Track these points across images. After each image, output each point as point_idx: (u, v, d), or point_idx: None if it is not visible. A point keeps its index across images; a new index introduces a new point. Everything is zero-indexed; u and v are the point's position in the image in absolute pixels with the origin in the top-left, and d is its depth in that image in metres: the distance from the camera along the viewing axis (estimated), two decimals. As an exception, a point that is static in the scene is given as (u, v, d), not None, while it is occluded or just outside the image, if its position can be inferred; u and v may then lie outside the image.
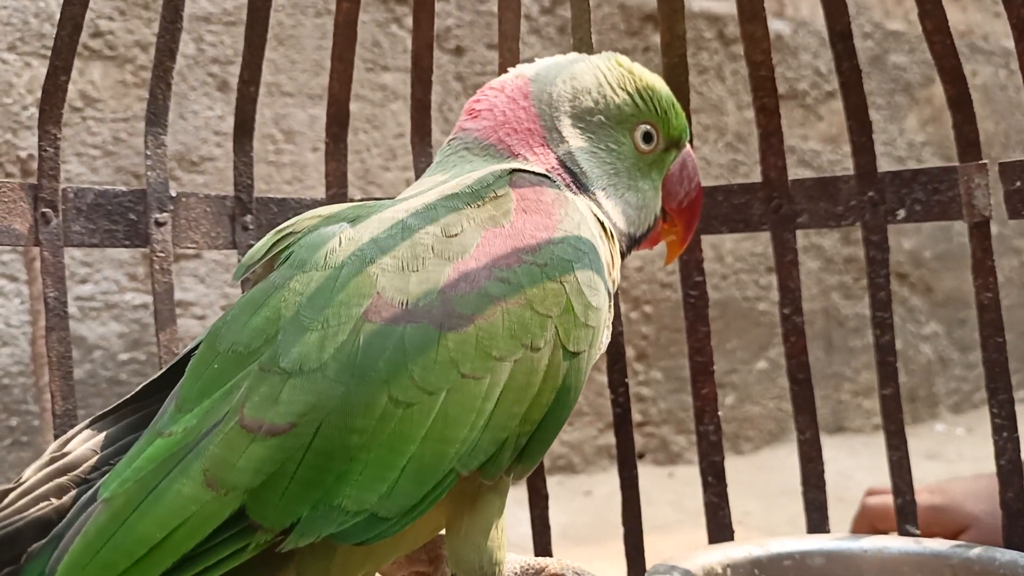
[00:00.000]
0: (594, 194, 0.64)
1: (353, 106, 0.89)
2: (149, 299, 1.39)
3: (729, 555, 0.70)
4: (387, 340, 0.50)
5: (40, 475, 0.52)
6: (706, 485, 0.84)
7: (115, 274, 1.40)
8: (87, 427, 0.55)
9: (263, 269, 0.59)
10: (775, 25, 1.96)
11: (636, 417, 1.74)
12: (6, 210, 0.75)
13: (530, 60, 0.69)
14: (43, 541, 0.50)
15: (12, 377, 1.32)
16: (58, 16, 0.76)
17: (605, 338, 0.60)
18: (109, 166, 1.40)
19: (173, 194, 0.81)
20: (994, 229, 0.79)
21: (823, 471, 0.83)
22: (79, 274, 1.38)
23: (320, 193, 0.90)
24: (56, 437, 0.74)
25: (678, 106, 0.68)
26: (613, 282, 0.63)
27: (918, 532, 0.81)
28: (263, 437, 0.49)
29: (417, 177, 0.87)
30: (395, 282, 0.52)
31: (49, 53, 0.77)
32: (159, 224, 0.80)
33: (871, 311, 0.82)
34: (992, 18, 2.30)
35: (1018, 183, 0.76)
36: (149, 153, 0.81)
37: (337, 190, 0.88)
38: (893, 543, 0.71)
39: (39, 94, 1.29)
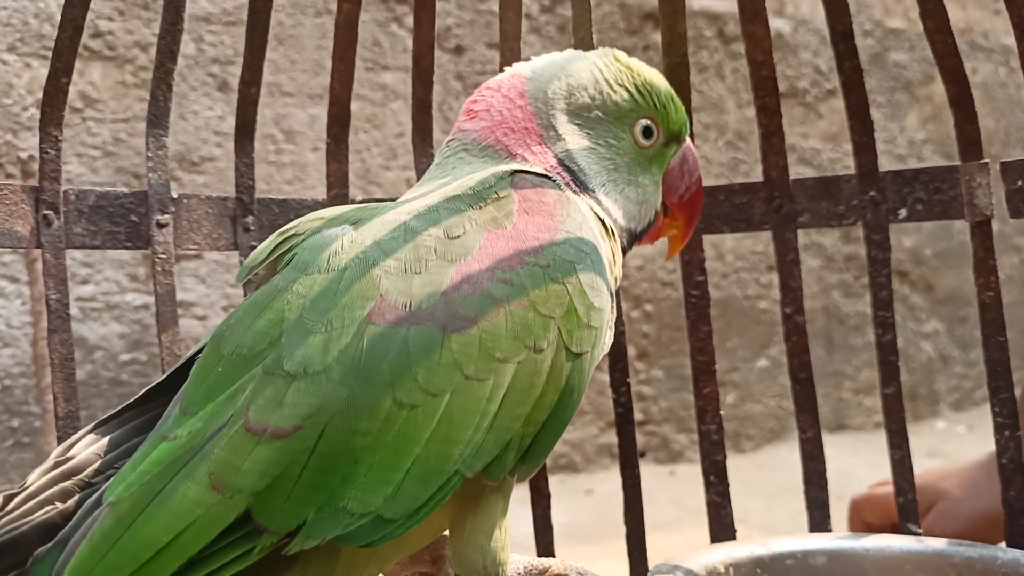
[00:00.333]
0: (594, 191, 0.64)
1: (353, 106, 0.89)
2: (150, 299, 1.39)
3: (732, 554, 0.70)
4: (391, 342, 0.50)
5: (45, 479, 0.52)
6: (708, 484, 0.84)
7: (116, 275, 1.40)
8: (91, 431, 0.55)
9: (266, 271, 0.59)
10: (775, 23, 1.96)
11: (637, 416, 1.74)
12: (8, 212, 0.75)
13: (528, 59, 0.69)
14: (48, 545, 0.50)
15: (13, 378, 1.33)
16: (58, 17, 0.76)
17: (608, 339, 0.60)
18: (109, 166, 1.40)
19: (175, 195, 0.81)
20: (995, 227, 0.79)
21: (825, 469, 0.83)
22: (80, 275, 1.38)
23: (321, 193, 0.90)
24: (59, 438, 0.74)
25: (677, 100, 0.67)
26: (615, 279, 0.63)
27: (920, 531, 0.81)
28: (268, 440, 0.49)
29: (418, 177, 0.87)
30: (398, 284, 0.52)
31: (48, 54, 0.77)
32: (161, 226, 0.80)
33: (872, 310, 0.82)
34: (992, 15, 2.30)
35: (1019, 182, 0.76)
36: (150, 155, 0.81)
37: (339, 190, 0.88)
38: (895, 542, 0.71)
39: (39, 95, 1.29)
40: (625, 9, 1.78)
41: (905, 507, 0.81)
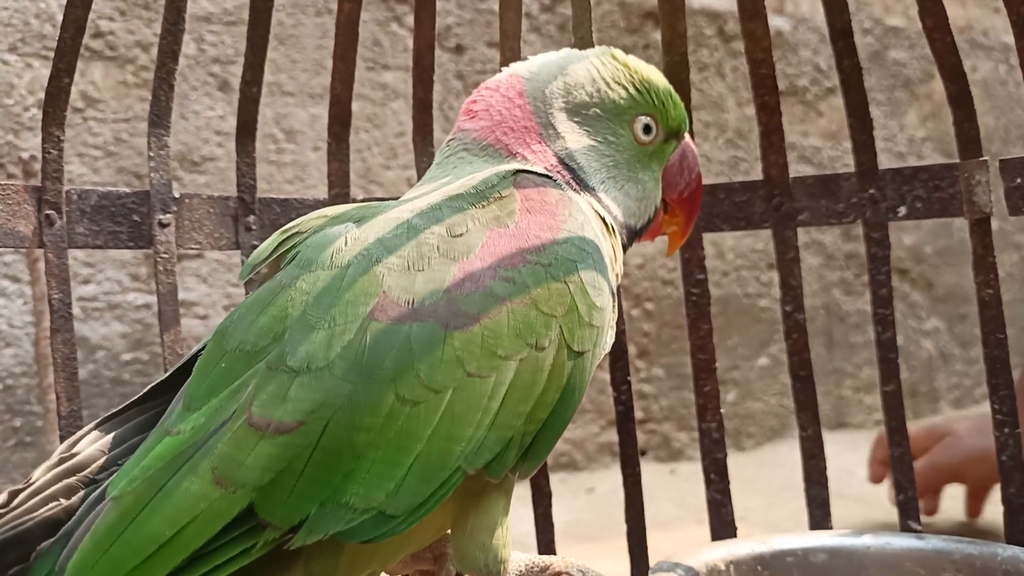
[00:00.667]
0: (594, 189, 0.64)
1: (354, 105, 0.89)
2: (152, 299, 1.39)
3: (732, 552, 0.70)
4: (393, 339, 0.51)
5: (49, 476, 0.53)
6: (709, 482, 0.84)
7: (117, 274, 1.40)
8: (95, 428, 0.56)
9: (269, 269, 0.59)
10: (775, 22, 1.96)
11: (638, 414, 1.74)
12: (10, 212, 0.75)
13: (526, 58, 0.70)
14: (52, 540, 0.50)
15: (16, 378, 1.33)
16: (59, 17, 0.76)
17: (609, 338, 0.60)
18: (111, 166, 1.41)
19: (176, 195, 0.81)
20: (994, 224, 0.79)
21: (825, 467, 0.84)
22: (81, 274, 1.38)
23: (322, 192, 0.91)
24: (62, 438, 0.74)
25: (676, 97, 0.68)
26: (616, 276, 0.63)
27: (920, 528, 0.81)
28: (271, 435, 0.49)
29: (419, 176, 0.87)
30: (401, 281, 0.52)
31: (50, 54, 0.77)
32: (163, 225, 0.80)
33: (872, 308, 0.82)
34: (992, 13, 2.30)
35: (1018, 180, 0.77)
36: (152, 155, 0.81)
37: (340, 189, 0.88)
38: (896, 539, 0.72)
39: (41, 95, 1.29)
40: (625, 8, 1.79)
41: (905, 504, 0.81)
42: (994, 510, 0.81)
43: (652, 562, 0.82)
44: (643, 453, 1.74)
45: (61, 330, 0.76)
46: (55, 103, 0.77)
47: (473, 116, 0.65)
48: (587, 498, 1.48)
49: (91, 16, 0.78)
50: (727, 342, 1.86)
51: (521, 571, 0.61)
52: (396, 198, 0.64)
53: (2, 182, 0.76)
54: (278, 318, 0.52)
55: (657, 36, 1.72)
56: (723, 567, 0.69)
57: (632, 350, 1.76)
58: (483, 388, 0.52)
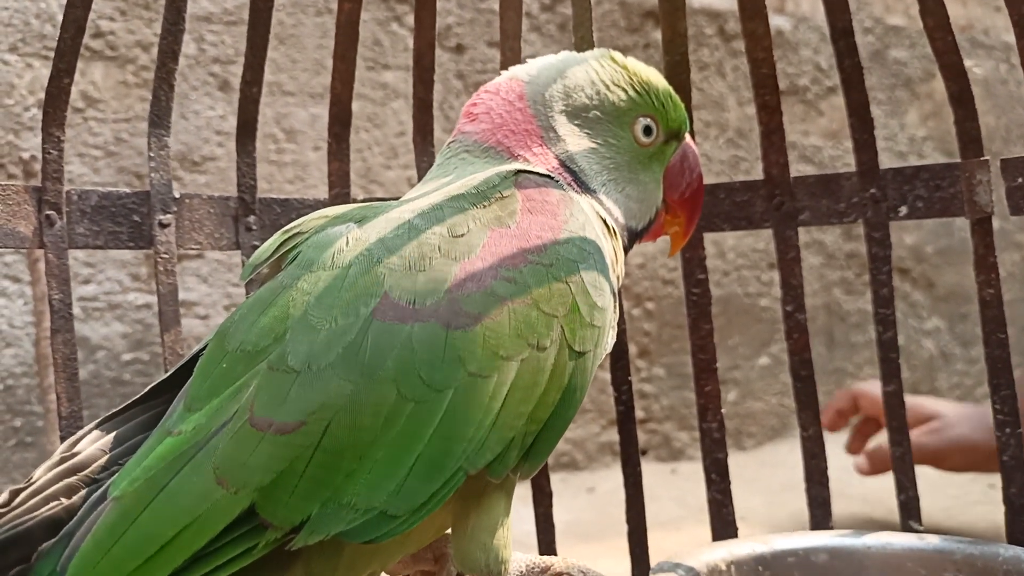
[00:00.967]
0: (595, 191, 0.64)
1: (354, 105, 0.89)
2: (152, 299, 1.39)
3: (733, 552, 0.70)
4: (395, 339, 0.51)
5: (50, 475, 0.53)
6: (710, 482, 0.84)
7: (118, 274, 1.40)
8: (96, 428, 0.56)
9: (270, 269, 0.59)
10: (776, 21, 1.96)
11: (639, 414, 1.74)
12: (10, 212, 0.75)
13: (532, 57, 0.70)
14: (53, 540, 0.50)
15: (16, 378, 1.33)
16: (59, 17, 0.76)
17: (611, 338, 0.60)
18: (111, 167, 1.41)
19: (177, 195, 0.81)
20: (995, 224, 0.79)
21: (826, 467, 0.84)
22: (82, 275, 1.38)
23: (322, 192, 0.91)
24: (62, 438, 0.74)
25: (676, 98, 0.68)
26: (617, 278, 0.63)
27: (922, 527, 0.81)
28: (273, 435, 0.49)
29: (419, 176, 0.87)
30: (402, 282, 0.52)
31: (50, 54, 0.77)
32: (163, 225, 0.80)
33: (873, 308, 0.82)
34: (993, 12, 2.30)
35: (1020, 179, 0.77)
36: (152, 155, 0.81)
37: (340, 189, 0.88)
38: (897, 539, 0.71)
39: (41, 95, 1.29)
40: (625, 7, 1.78)
41: (907, 504, 0.81)
42: (994, 510, 0.81)
43: (653, 562, 0.82)
44: (644, 453, 1.74)
45: (61, 330, 0.75)
46: (55, 103, 0.77)
47: (474, 119, 0.65)
48: (588, 498, 1.48)
49: (91, 16, 0.78)
50: (728, 342, 1.86)
51: (522, 571, 0.61)
52: (397, 198, 0.64)
53: (2, 182, 0.76)
54: (279, 318, 0.52)
55: (658, 35, 1.72)
56: (724, 567, 0.69)
57: (633, 350, 1.76)
58: (484, 388, 0.52)
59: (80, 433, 0.56)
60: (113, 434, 0.55)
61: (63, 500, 0.51)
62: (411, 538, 0.56)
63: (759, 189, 0.85)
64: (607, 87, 0.65)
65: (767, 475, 1.60)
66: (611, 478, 1.48)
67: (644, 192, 0.66)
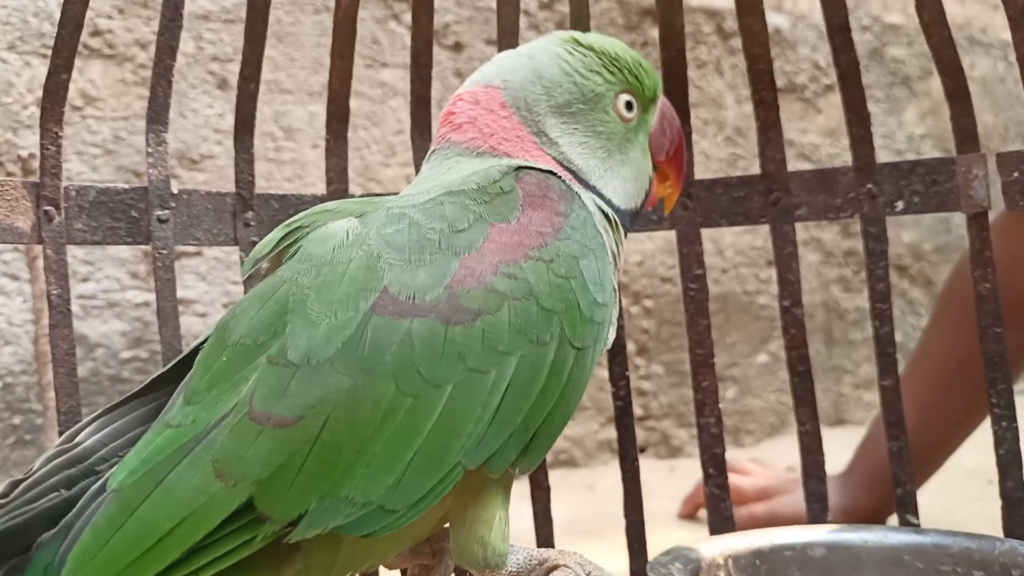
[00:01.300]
0: (595, 187, 0.64)
1: (352, 103, 0.89)
2: (151, 297, 1.40)
3: (731, 546, 0.70)
4: (394, 334, 0.51)
5: (49, 466, 0.53)
6: (707, 477, 0.84)
7: (116, 272, 1.40)
8: (96, 419, 0.56)
9: (270, 264, 0.59)
10: (774, 19, 1.96)
11: (637, 411, 1.74)
12: (9, 208, 0.75)
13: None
14: (52, 531, 0.50)
15: (15, 375, 1.33)
16: (57, 15, 0.76)
17: (610, 334, 0.60)
18: (110, 164, 1.41)
19: (175, 191, 0.81)
20: (991, 218, 0.79)
21: (824, 462, 0.84)
22: (81, 272, 1.38)
23: (320, 189, 0.91)
24: (61, 434, 0.74)
25: (646, 63, 0.67)
26: (618, 271, 0.64)
27: (918, 522, 0.81)
28: (271, 429, 0.49)
29: (417, 173, 0.87)
30: (402, 276, 0.52)
31: (48, 52, 0.77)
32: (161, 221, 0.80)
33: (870, 303, 0.83)
34: (990, 10, 2.30)
35: (1016, 174, 0.77)
36: (151, 151, 0.81)
37: (338, 186, 0.88)
38: (894, 533, 0.72)
39: (39, 93, 1.29)
40: (623, 5, 1.79)
41: (904, 498, 0.82)
42: (991, 506, 0.81)
43: (651, 557, 0.83)
44: (642, 450, 1.75)
45: (60, 325, 0.76)
46: (53, 99, 0.77)
47: (458, 128, 0.64)
48: (586, 495, 1.48)
49: (90, 14, 0.78)
50: (726, 339, 1.86)
51: (520, 565, 0.61)
52: (395, 194, 0.64)
53: (0, 178, 0.76)
54: (279, 312, 0.52)
55: (655, 33, 1.72)
56: (721, 561, 0.69)
57: (631, 347, 1.76)
58: (483, 383, 0.52)
59: (79, 425, 0.56)
60: (113, 426, 0.55)
61: (62, 491, 0.52)
62: (409, 532, 0.56)
63: (756, 184, 0.85)
64: (582, 76, 0.64)
65: (765, 472, 1.60)
66: (610, 475, 1.48)
67: (637, 169, 0.66)
